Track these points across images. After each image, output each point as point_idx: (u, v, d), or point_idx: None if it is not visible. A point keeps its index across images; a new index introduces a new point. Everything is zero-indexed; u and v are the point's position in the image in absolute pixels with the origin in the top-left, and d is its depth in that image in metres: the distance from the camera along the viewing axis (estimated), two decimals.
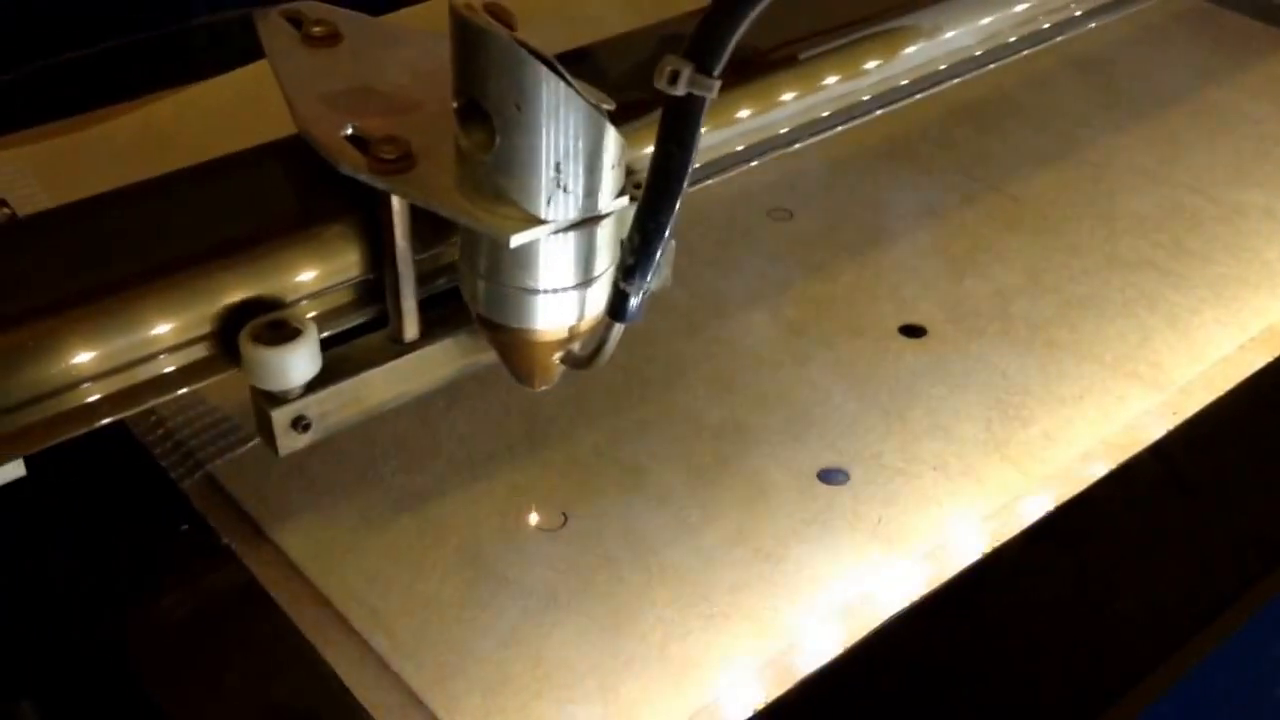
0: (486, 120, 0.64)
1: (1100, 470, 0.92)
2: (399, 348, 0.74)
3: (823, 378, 0.97)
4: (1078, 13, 1.07)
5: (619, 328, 0.71)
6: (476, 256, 0.70)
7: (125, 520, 0.86)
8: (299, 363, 0.68)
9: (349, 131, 0.70)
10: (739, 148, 0.87)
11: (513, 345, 0.73)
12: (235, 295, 0.68)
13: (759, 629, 0.80)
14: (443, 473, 0.89)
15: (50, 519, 0.85)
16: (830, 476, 0.90)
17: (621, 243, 0.69)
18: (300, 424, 0.71)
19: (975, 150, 1.23)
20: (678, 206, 0.65)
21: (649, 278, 0.68)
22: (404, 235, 0.70)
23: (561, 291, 0.69)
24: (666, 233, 0.66)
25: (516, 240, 0.65)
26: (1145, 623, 0.83)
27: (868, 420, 0.94)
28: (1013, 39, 1.02)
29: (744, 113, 0.86)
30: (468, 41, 0.63)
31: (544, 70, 0.62)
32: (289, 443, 0.71)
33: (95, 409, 0.67)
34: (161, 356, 0.68)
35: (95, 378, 0.66)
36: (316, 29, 0.77)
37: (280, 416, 0.70)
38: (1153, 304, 1.05)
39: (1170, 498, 0.92)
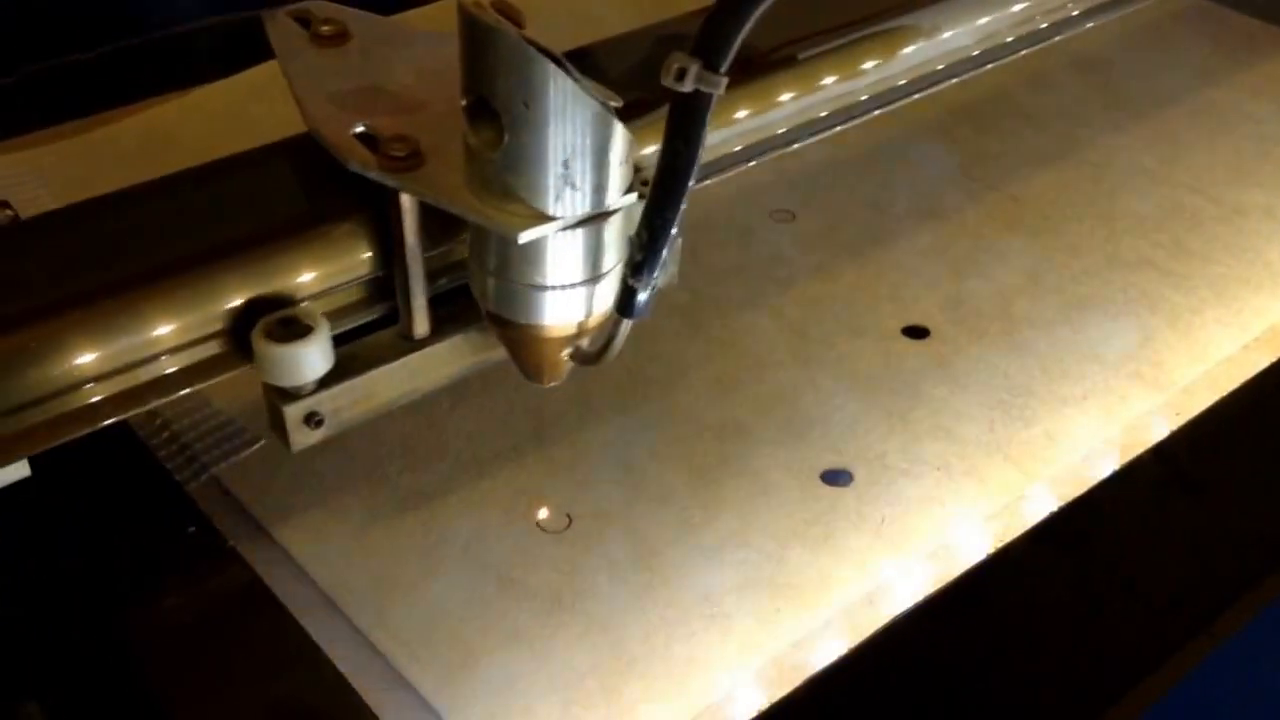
0: (495, 118, 0.66)
1: (1103, 471, 0.93)
2: (409, 345, 0.76)
3: (825, 378, 0.99)
4: (1076, 12, 1.08)
5: (627, 324, 0.73)
6: (485, 253, 0.71)
7: (130, 521, 0.87)
8: (311, 359, 0.70)
9: (358, 130, 0.72)
10: (738, 148, 0.88)
11: (522, 342, 0.74)
12: (246, 293, 0.70)
13: (762, 629, 0.82)
14: (447, 473, 0.90)
15: (54, 519, 0.86)
16: (833, 477, 0.91)
17: (629, 239, 0.70)
18: (313, 420, 0.72)
19: (975, 150, 1.25)
20: (685, 203, 0.67)
21: (657, 274, 0.70)
22: (414, 233, 0.72)
23: (570, 288, 0.71)
24: (674, 229, 0.68)
25: (525, 237, 0.67)
26: (1148, 623, 0.85)
27: (870, 421, 0.96)
28: (1011, 39, 1.03)
29: (743, 113, 0.87)
30: (476, 39, 0.65)
31: (552, 68, 0.63)
32: (302, 438, 0.73)
33: (104, 407, 0.68)
34: (174, 355, 0.69)
35: (104, 377, 0.68)
36: (325, 28, 0.79)
37: (293, 412, 0.72)
38: (1154, 304, 1.07)
39: (1173, 498, 0.93)
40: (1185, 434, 0.96)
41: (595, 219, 0.69)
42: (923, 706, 0.80)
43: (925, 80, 0.98)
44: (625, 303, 0.72)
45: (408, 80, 0.77)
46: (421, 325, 0.76)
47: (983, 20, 1.00)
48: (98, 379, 0.68)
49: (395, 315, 0.76)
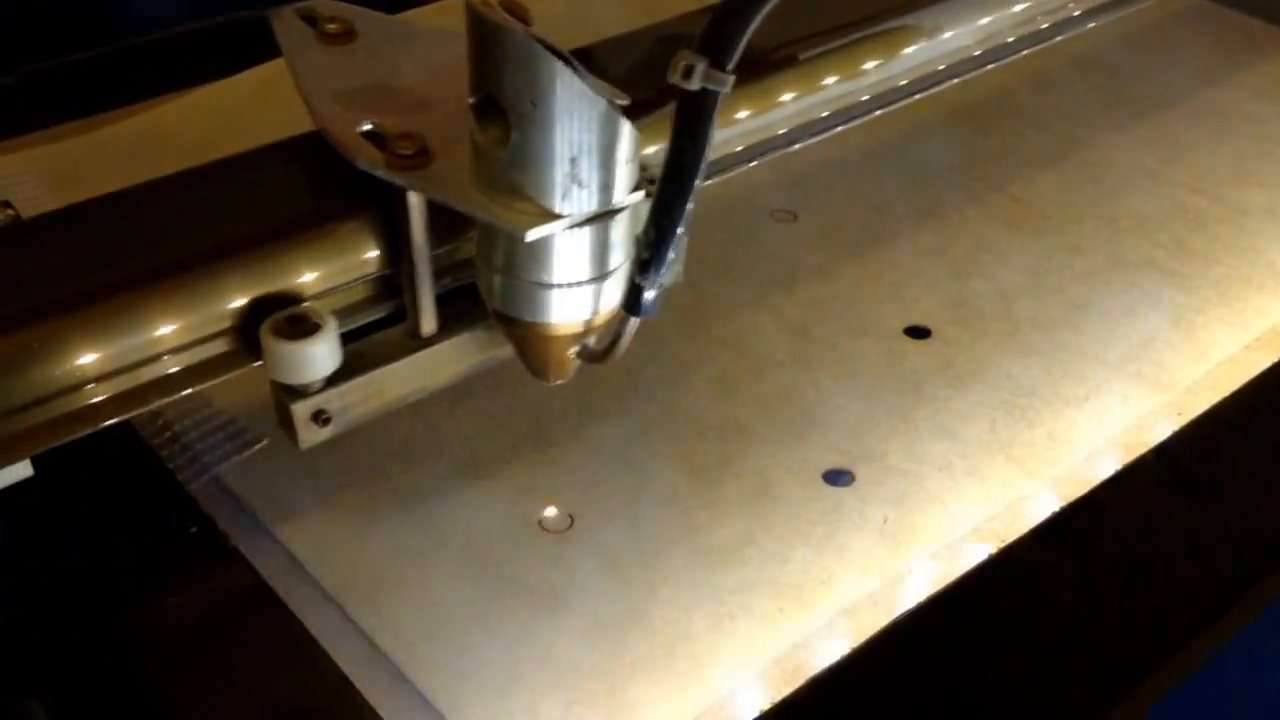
0: (502, 116, 0.67)
1: (1106, 471, 0.94)
2: (417, 342, 0.77)
3: (826, 378, 1.00)
4: (1077, 12, 1.09)
5: (634, 322, 0.73)
6: (493, 251, 0.72)
7: (132, 521, 0.88)
8: (320, 356, 0.70)
9: (365, 128, 0.73)
10: (739, 148, 0.89)
11: (529, 339, 0.75)
12: (253, 291, 0.71)
13: (766, 629, 0.83)
14: (449, 474, 0.91)
15: (57, 519, 0.87)
16: (835, 477, 0.92)
17: (636, 238, 0.71)
18: (321, 417, 0.73)
19: (976, 151, 1.26)
20: (691, 201, 0.68)
21: (663, 272, 0.71)
22: (421, 231, 0.72)
23: (577, 286, 0.72)
24: (681, 227, 0.69)
25: (533, 235, 0.67)
26: (1151, 622, 0.86)
27: (872, 421, 0.97)
28: (1012, 39, 1.04)
29: (744, 113, 0.88)
30: (484, 37, 0.66)
31: (559, 65, 0.64)
32: (310, 436, 0.73)
33: (107, 407, 0.69)
34: (179, 354, 0.70)
35: (109, 376, 0.69)
36: (331, 26, 0.80)
37: (301, 410, 0.72)
38: (1156, 304, 1.08)
39: (1176, 498, 0.94)
40: (1188, 434, 0.97)
41: (602, 217, 0.69)
42: (925, 706, 0.81)
43: (926, 80, 0.98)
44: (632, 301, 0.72)
45: (414, 78, 0.77)
46: (429, 323, 0.76)
47: (984, 20, 1.01)
48: (103, 379, 0.69)
49: (402, 313, 0.77)
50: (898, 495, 0.91)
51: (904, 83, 0.97)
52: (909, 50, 0.96)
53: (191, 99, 1.22)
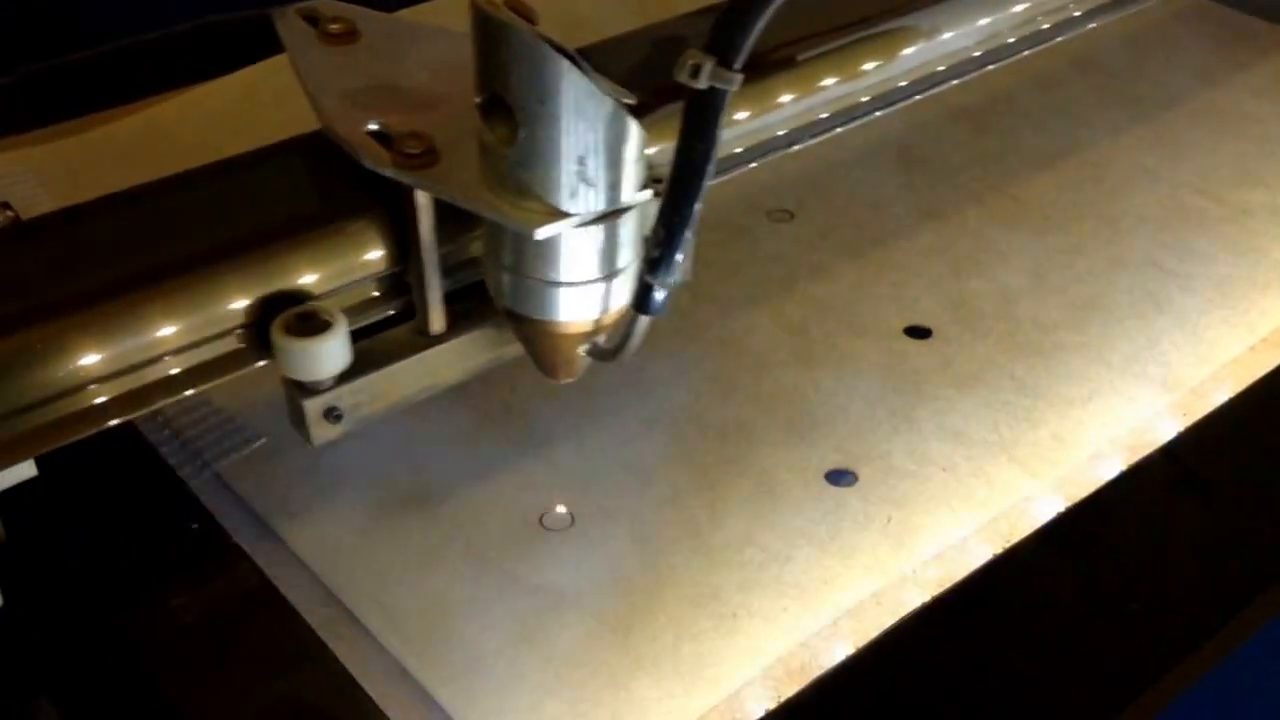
0: (509, 115, 0.68)
1: (1110, 472, 0.95)
2: (426, 340, 0.78)
3: (827, 378, 1.01)
4: (1077, 13, 1.10)
5: (645, 320, 0.75)
6: (501, 249, 0.74)
7: (135, 520, 0.90)
8: (331, 353, 0.72)
9: (372, 128, 0.74)
10: (739, 149, 0.90)
11: (538, 337, 0.77)
12: (261, 290, 0.73)
13: (770, 629, 0.84)
14: (449, 471, 0.92)
15: (59, 518, 0.88)
16: (838, 477, 0.93)
17: (645, 237, 0.73)
18: (332, 414, 0.75)
19: (976, 151, 1.27)
20: (701, 200, 0.69)
21: (673, 271, 0.72)
22: (429, 230, 0.74)
23: (585, 284, 0.73)
24: (690, 226, 0.70)
25: (542, 233, 0.69)
26: (1158, 625, 0.87)
27: (874, 421, 0.98)
28: (1012, 40, 1.05)
29: (744, 114, 0.89)
30: (490, 36, 0.67)
31: (566, 64, 0.66)
32: (322, 433, 0.75)
33: (119, 404, 0.71)
34: (187, 353, 0.72)
35: (116, 376, 0.71)
36: (333, 26, 0.81)
37: (313, 407, 0.74)
38: (1159, 305, 1.09)
39: (1181, 499, 0.95)
40: (1193, 435, 0.98)
41: (610, 215, 0.71)
42: (929, 707, 0.82)
43: (927, 81, 0.99)
44: (642, 299, 0.74)
45: (418, 77, 0.79)
46: (438, 321, 0.78)
47: (984, 21, 1.02)
48: (110, 378, 0.70)
49: (410, 311, 0.78)
50: (901, 495, 0.92)
51: (904, 84, 0.98)
52: (909, 51, 0.97)
53: (188, 98, 1.24)
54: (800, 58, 0.92)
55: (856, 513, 0.91)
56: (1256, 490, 0.96)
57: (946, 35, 0.99)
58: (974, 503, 0.92)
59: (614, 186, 0.70)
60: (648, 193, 0.71)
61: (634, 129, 0.68)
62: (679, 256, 0.71)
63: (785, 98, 0.91)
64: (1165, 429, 0.98)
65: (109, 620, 0.84)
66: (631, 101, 0.69)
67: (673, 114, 0.68)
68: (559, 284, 0.73)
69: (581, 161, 0.68)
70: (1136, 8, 1.16)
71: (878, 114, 0.96)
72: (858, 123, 0.95)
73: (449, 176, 0.71)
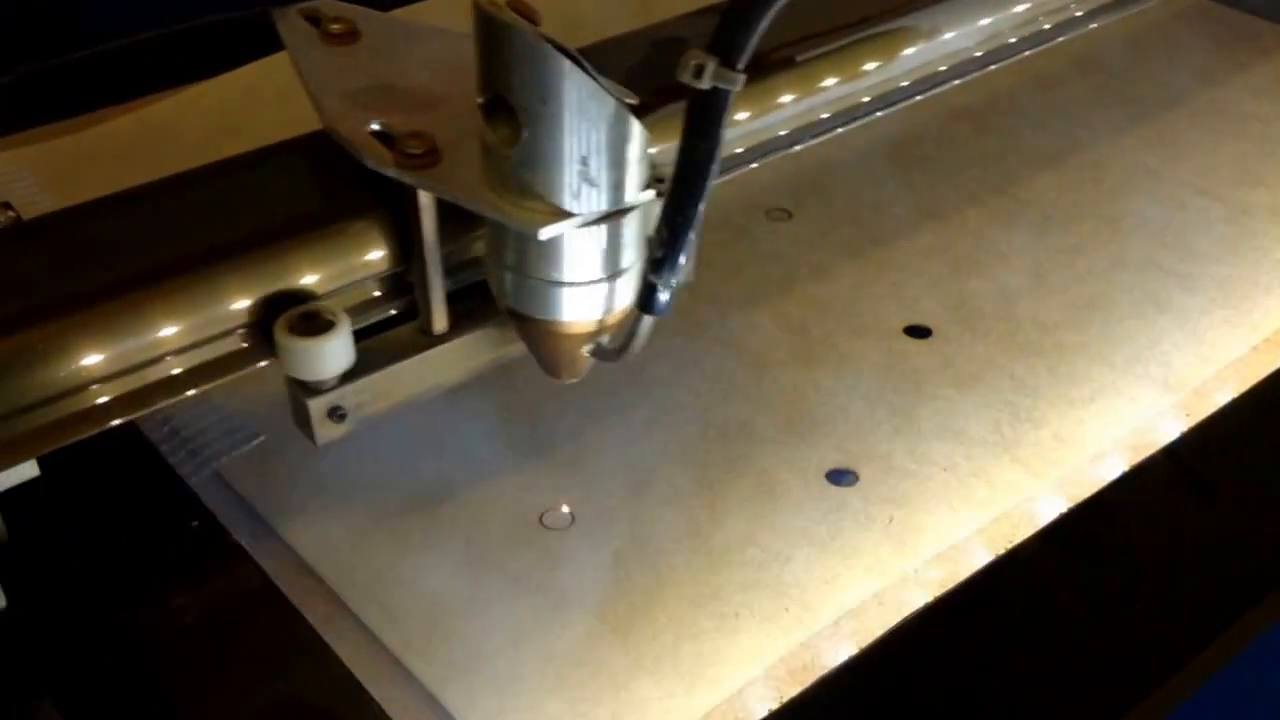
0: (511, 115, 0.68)
1: (1112, 472, 0.95)
2: (429, 340, 0.79)
3: (827, 378, 1.01)
4: (1078, 13, 1.10)
5: (649, 320, 0.75)
6: (504, 249, 0.74)
7: (137, 519, 0.90)
8: (335, 353, 0.72)
9: (374, 127, 0.74)
10: (739, 149, 0.90)
11: (541, 337, 0.77)
12: (265, 289, 0.73)
13: (771, 629, 0.84)
14: (450, 470, 0.93)
15: (61, 517, 0.88)
16: (839, 477, 0.94)
17: (648, 237, 0.73)
18: (336, 414, 0.75)
19: (976, 151, 1.27)
20: (704, 200, 0.70)
21: (678, 271, 0.72)
22: (432, 229, 0.74)
23: (589, 284, 0.74)
24: (694, 226, 0.70)
25: (546, 234, 0.69)
26: (1162, 626, 0.87)
27: (875, 421, 0.98)
28: (1013, 40, 1.05)
29: (744, 114, 0.90)
30: (492, 37, 0.67)
31: (569, 65, 0.66)
32: (326, 432, 0.75)
33: (120, 404, 0.71)
34: (189, 353, 0.72)
35: (118, 375, 0.71)
36: (335, 26, 0.81)
37: (317, 406, 0.74)
38: (1161, 305, 1.09)
39: (1184, 500, 0.95)
40: (1195, 436, 0.98)
41: (613, 215, 0.71)
42: (931, 708, 0.82)
43: (928, 81, 1.00)
44: (647, 300, 0.74)
45: (419, 77, 0.79)
46: (441, 321, 0.78)
47: (985, 21, 1.03)
48: (112, 378, 0.71)
49: (413, 311, 0.79)
50: (902, 495, 0.92)
51: (906, 84, 0.98)
52: (910, 51, 0.98)
53: (186, 96, 1.24)
54: (801, 58, 0.92)
55: (857, 512, 0.91)
56: (1260, 491, 0.96)
57: (947, 35, 1.00)
58: (975, 503, 0.92)
59: (617, 186, 0.70)
60: (650, 193, 0.71)
61: (637, 129, 0.69)
62: (682, 257, 0.71)
63: (786, 98, 0.91)
64: (1168, 429, 0.98)
65: (110, 620, 0.84)
66: (634, 101, 0.69)
67: (675, 114, 0.68)
68: (562, 284, 0.73)
69: (584, 161, 0.68)
70: (1137, 8, 1.17)
71: (879, 114, 0.97)
72: (859, 123, 0.96)
73: (451, 176, 0.72)
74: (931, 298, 1.09)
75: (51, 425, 0.70)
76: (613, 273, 0.73)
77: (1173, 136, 1.30)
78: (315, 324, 0.72)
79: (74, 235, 0.74)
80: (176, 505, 0.89)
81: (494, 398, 0.98)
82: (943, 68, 1.00)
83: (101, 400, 0.71)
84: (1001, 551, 0.89)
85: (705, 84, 0.66)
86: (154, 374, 0.72)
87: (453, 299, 0.78)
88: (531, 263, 0.73)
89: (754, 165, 0.91)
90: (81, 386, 0.70)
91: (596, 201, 0.70)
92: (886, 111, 0.97)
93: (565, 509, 0.91)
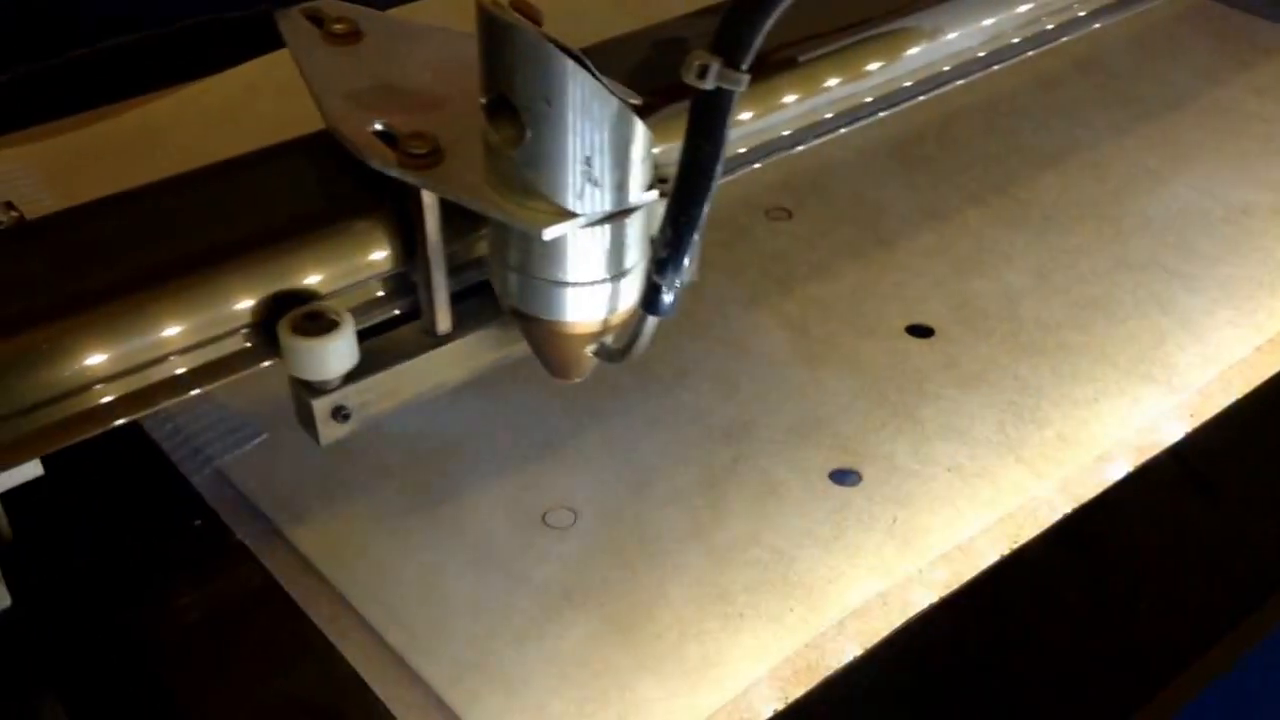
0: (515, 115, 0.68)
1: (1116, 473, 0.95)
2: (433, 340, 0.79)
3: (830, 377, 1.01)
4: (1081, 13, 1.10)
5: (653, 321, 0.75)
6: (507, 250, 0.74)
7: (140, 518, 0.90)
8: (339, 353, 0.72)
9: (377, 128, 0.74)
10: (742, 150, 0.90)
11: (545, 337, 0.77)
12: (269, 289, 0.73)
13: (776, 629, 0.84)
14: (452, 470, 0.93)
15: (64, 516, 0.88)
16: (842, 477, 0.94)
17: (652, 238, 0.73)
18: (340, 413, 0.75)
19: (979, 151, 1.27)
20: (709, 200, 0.70)
21: (682, 272, 0.72)
22: (435, 229, 0.74)
23: (593, 284, 0.73)
24: (698, 226, 0.70)
25: (550, 234, 0.69)
26: (1164, 627, 0.87)
27: (878, 420, 0.98)
28: (1016, 40, 1.05)
29: (747, 114, 0.89)
30: (495, 37, 0.67)
31: (572, 65, 0.66)
32: (330, 432, 0.76)
33: (125, 404, 0.71)
34: (193, 353, 0.72)
35: (122, 375, 0.71)
36: (337, 26, 0.81)
37: (321, 406, 0.74)
38: (1164, 305, 1.09)
39: (1187, 500, 0.95)
40: (1200, 436, 0.98)
41: (617, 216, 0.71)
42: (935, 708, 0.82)
43: (930, 82, 1.00)
44: (651, 300, 0.74)
45: (422, 78, 0.79)
46: (444, 321, 0.78)
47: (987, 22, 1.03)
48: (117, 378, 0.71)
49: (416, 310, 0.79)
50: (906, 495, 0.92)
51: (908, 84, 0.98)
52: (913, 51, 0.98)
53: (187, 94, 1.24)
54: (804, 58, 0.92)
55: (861, 512, 0.91)
56: (1264, 492, 0.96)
57: (950, 35, 1.00)
58: (979, 503, 0.92)
59: (621, 187, 0.70)
60: (654, 193, 0.71)
61: (640, 129, 0.69)
62: (686, 258, 0.71)
63: (789, 98, 0.91)
64: (1171, 430, 0.98)
65: (115, 619, 0.84)
66: (637, 102, 0.69)
67: (679, 114, 0.69)
68: (566, 284, 0.73)
69: (588, 162, 0.68)
70: (1139, 8, 1.16)
71: (881, 114, 0.97)
72: (862, 123, 0.95)
73: (454, 176, 0.72)
74: (934, 297, 1.09)
75: (55, 425, 0.70)
76: (616, 273, 0.73)
77: (1175, 137, 1.30)
78: (319, 324, 0.72)
79: (77, 235, 0.74)
80: (180, 504, 0.90)
81: (497, 395, 0.97)
82: (945, 68, 1.00)
83: (105, 400, 0.71)
84: (1006, 552, 0.89)
85: (709, 84, 0.66)
86: (157, 374, 0.72)
87: (456, 299, 0.78)
88: (535, 263, 0.73)
89: (757, 165, 0.90)
90: (85, 386, 0.70)
91: (600, 202, 0.70)
92: (889, 111, 0.97)
93: (569, 509, 0.91)
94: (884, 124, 0.99)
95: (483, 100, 0.70)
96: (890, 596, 0.86)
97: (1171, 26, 1.47)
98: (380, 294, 0.78)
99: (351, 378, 0.75)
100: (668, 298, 0.73)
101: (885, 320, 1.07)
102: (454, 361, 0.80)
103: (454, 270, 0.77)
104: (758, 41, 0.65)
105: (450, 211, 0.74)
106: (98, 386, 0.70)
